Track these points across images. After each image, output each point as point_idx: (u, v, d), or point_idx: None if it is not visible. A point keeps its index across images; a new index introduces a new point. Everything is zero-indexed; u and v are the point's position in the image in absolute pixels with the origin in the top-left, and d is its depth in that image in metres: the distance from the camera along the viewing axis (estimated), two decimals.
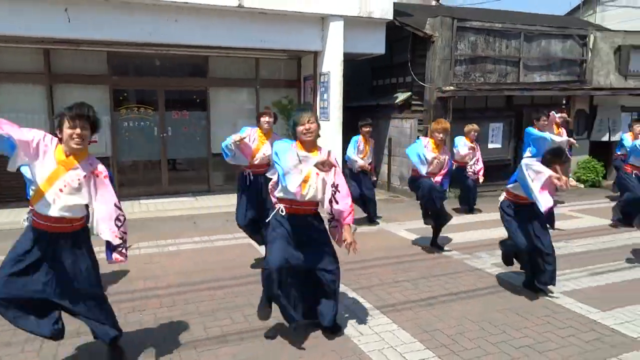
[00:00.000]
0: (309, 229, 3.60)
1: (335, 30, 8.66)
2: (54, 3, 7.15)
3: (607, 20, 15.33)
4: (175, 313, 4.15)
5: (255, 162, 5.23)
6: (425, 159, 5.59)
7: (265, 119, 5.22)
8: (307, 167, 3.41)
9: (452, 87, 9.25)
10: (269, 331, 3.76)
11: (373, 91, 11.37)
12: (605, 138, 11.55)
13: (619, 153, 8.58)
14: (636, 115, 12.03)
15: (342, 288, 4.70)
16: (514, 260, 4.83)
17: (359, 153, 7.11)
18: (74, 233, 3.04)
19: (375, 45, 9.37)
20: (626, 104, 11.81)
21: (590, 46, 10.80)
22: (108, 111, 8.74)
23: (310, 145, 3.54)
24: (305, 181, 3.43)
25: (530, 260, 4.57)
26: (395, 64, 10.34)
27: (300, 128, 3.48)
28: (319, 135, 3.58)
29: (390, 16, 9.04)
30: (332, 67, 8.79)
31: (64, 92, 8.44)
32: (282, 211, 3.54)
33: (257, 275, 3.75)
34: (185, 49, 8.55)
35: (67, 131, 2.90)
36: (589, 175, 11.12)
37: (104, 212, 3.05)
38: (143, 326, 3.89)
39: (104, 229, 3.06)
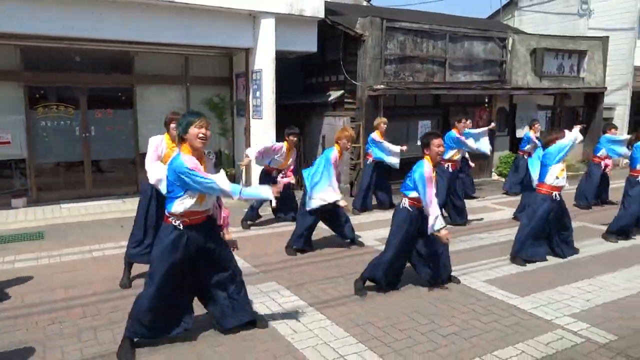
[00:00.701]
0: (207, 238, 3.50)
1: (267, 27, 8.58)
2: None
3: (524, 24, 16.41)
4: (100, 322, 3.94)
5: None
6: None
7: (174, 126, 4.61)
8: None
9: (382, 86, 9.48)
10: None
11: (306, 89, 11.40)
12: None
13: (524, 149, 9.58)
14: (550, 113, 13.05)
15: (275, 287, 4.71)
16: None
17: (279, 157, 6.76)
18: None
19: (307, 43, 9.38)
20: (541, 102, 12.71)
21: (509, 48, 11.48)
22: (22, 110, 8.09)
23: (199, 153, 3.37)
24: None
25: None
26: (327, 62, 10.42)
27: (196, 130, 3.25)
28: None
29: (321, 15, 9.09)
30: (265, 64, 8.71)
31: None
32: (180, 227, 3.36)
33: None
34: (109, 44, 8.10)
35: None
36: (509, 169, 11.80)
37: None
38: (63, 338, 3.66)
39: None
